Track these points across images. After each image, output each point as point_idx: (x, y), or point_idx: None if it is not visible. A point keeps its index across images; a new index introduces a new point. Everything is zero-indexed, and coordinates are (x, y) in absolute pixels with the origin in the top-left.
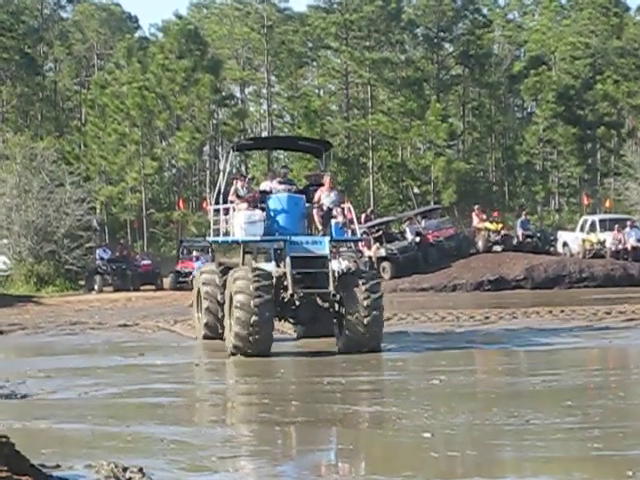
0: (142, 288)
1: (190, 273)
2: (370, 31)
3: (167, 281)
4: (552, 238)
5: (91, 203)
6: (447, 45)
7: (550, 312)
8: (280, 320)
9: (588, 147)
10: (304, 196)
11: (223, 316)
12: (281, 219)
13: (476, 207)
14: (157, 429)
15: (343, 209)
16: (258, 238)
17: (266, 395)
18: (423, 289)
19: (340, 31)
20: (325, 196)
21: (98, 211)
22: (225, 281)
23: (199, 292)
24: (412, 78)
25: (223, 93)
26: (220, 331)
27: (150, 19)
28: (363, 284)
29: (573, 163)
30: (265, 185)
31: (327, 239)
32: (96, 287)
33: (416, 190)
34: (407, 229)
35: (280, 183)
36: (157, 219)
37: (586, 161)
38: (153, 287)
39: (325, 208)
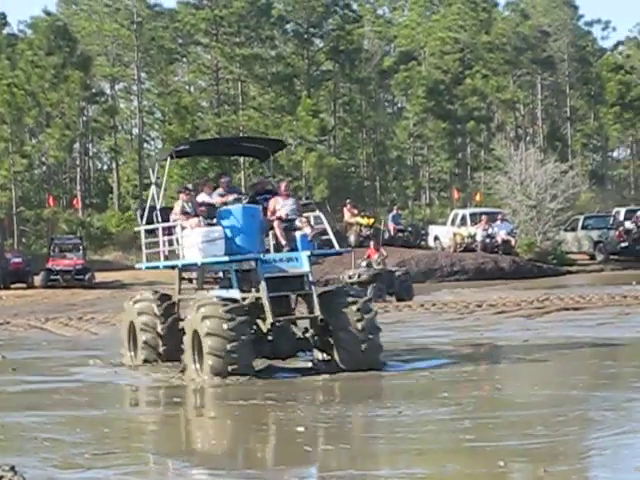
0: (13, 286)
1: (62, 271)
2: (240, 27)
3: (38, 279)
4: (423, 232)
5: None
6: (317, 41)
7: (422, 305)
8: (256, 357)
9: (458, 141)
10: (260, 206)
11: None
12: (238, 236)
13: (348, 202)
14: (31, 426)
15: (308, 219)
16: (225, 258)
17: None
18: None
19: (210, 27)
20: (281, 205)
21: None
22: (165, 309)
23: (132, 325)
24: (282, 74)
25: (93, 90)
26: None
27: (19, 16)
28: (353, 304)
29: (443, 157)
30: (203, 198)
31: (305, 254)
32: None
33: None
34: None
35: (222, 195)
36: (27, 217)
37: (456, 155)
38: (24, 285)
39: (284, 218)
